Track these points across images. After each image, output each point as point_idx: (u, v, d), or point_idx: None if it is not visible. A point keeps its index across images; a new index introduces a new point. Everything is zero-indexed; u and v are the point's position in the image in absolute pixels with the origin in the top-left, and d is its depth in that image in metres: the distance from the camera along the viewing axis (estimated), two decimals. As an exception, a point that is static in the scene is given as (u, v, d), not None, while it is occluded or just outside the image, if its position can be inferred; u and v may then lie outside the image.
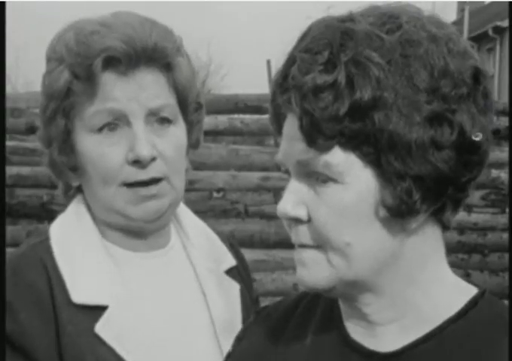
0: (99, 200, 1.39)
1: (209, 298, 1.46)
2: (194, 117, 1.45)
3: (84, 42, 1.33)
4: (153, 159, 1.35)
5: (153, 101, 1.35)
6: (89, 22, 1.36)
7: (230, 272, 1.53)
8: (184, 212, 1.55)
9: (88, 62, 1.32)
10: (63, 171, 1.42)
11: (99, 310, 1.33)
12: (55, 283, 1.33)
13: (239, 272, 1.56)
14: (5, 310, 1.29)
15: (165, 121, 1.37)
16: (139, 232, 1.42)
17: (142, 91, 1.34)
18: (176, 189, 1.39)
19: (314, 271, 1.03)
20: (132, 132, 1.34)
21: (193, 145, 1.47)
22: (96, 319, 1.33)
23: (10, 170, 4.31)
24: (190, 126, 1.44)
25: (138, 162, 1.34)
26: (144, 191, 1.36)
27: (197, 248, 1.50)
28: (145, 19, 1.39)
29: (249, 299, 1.54)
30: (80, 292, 1.33)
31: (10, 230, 4.20)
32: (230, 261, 1.55)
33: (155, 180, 1.36)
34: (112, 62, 1.32)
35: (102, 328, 1.32)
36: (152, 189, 1.36)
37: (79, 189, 1.44)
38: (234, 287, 1.51)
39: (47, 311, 1.31)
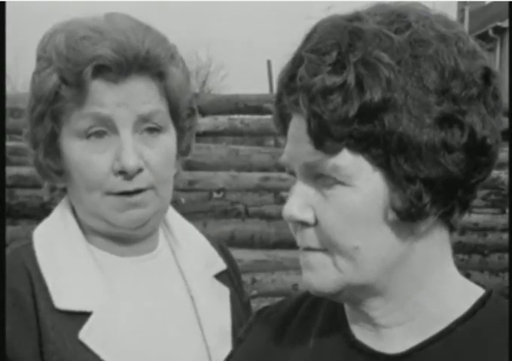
0: (83, 205, 1.37)
1: (197, 303, 1.44)
2: (186, 124, 1.42)
3: (75, 48, 1.30)
4: (140, 170, 1.32)
5: (143, 108, 1.33)
6: (80, 26, 1.34)
7: (220, 276, 1.51)
8: (173, 216, 1.53)
9: (78, 69, 1.29)
10: (48, 173, 1.40)
11: (83, 316, 1.31)
12: (38, 289, 1.31)
13: (230, 276, 1.54)
14: (5, 310, 1.27)
15: (154, 130, 1.35)
16: (124, 239, 1.40)
17: (132, 98, 1.32)
18: (162, 197, 1.37)
19: (321, 274, 1.02)
20: (119, 141, 1.32)
21: (183, 152, 1.45)
22: (80, 325, 1.30)
23: (10, 170, 4.32)
24: (181, 133, 1.42)
25: (123, 173, 1.31)
26: (128, 199, 1.33)
27: (186, 252, 1.48)
28: (139, 24, 1.36)
29: (240, 303, 1.53)
30: (63, 297, 1.31)
31: (10, 231, 4.20)
32: (220, 265, 1.53)
33: (140, 190, 1.34)
34: (102, 71, 1.30)
35: (86, 334, 1.30)
36: (136, 198, 1.34)
37: (64, 190, 1.42)
38: (224, 291, 1.49)
39: (29, 318, 1.29)
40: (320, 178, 1.00)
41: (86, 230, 1.40)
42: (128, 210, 1.34)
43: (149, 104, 1.34)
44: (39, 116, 1.35)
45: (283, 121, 1.05)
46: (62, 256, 1.36)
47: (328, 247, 1.01)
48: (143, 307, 1.39)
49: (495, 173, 4.79)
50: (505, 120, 4.61)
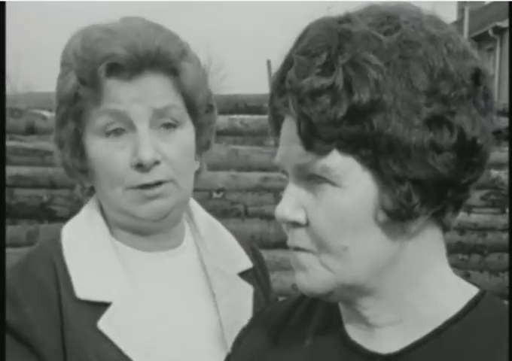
0: (107, 201, 1.42)
1: (218, 300, 1.46)
2: (204, 119, 1.45)
3: (90, 48, 1.35)
4: (157, 163, 1.36)
5: (158, 103, 1.36)
6: (96, 29, 1.39)
7: (244, 274, 1.53)
8: (200, 213, 1.56)
9: (93, 68, 1.34)
10: (74, 172, 1.45)
11: (102, 306, 1.35)
12: (62, 280, 1.36)
13: (256, 275, 1.56)
14: (5, 310, 1.31)
15: (171, 126, 1.38)
16: (148, 232, 1.43)
17: (147, 94, 1.36)
18: (182, 189, 1.41)
19: (312, 275, 1.02)
20: (136, 137, 1.36)
21: (203, 147, 1.48)
22: (99, 315, 1.34)
23: (10, 170, 4.31)
24: (200, 129, 1.45)
25: (141, 166, 1.35)
26: (148, 192, 1.37)
27: (211, 249, 1.51)
28: (151, 24, 1.40)
29: (265, 302, 1.54)
30: (84, 288, 1.36)
31: (10, 230, 4.21)
32: (246, 263, 1.55)
33: (160, 183, 1.37)
34: (116, 69, 1.34)
35: (105, 324, 1.34)
36: (156, 190, 1.37)
37: (93, 189, 1.47)
38: (247, 290, 1.51)
39: (52, 306, 1.33)
40: (311, 179, 1.01)
41: (112, 226, 1.44)
42: (149, 201, 1.37)
43: (164, 100, 1.37)
44: (63, 117, 1.40)
45: (276, 122, 1.05)
46: (87, 249, 1.41)
47: (318, 247, 1.01)
48: (162, 301, 1.42)
49: (494, 173, 4.78)
50: (505, 120, 4.61)
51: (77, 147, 1.41)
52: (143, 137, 1.35)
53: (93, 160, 1.39)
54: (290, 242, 1.04)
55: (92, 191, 1.48)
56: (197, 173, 1.48)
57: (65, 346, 1.32)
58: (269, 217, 4.53)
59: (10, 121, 4.35)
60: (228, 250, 1.54)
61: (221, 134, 4.94)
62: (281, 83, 1.00)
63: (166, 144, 1.37)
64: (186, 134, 1.41)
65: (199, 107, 1.43)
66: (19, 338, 1.31)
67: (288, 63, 1.00)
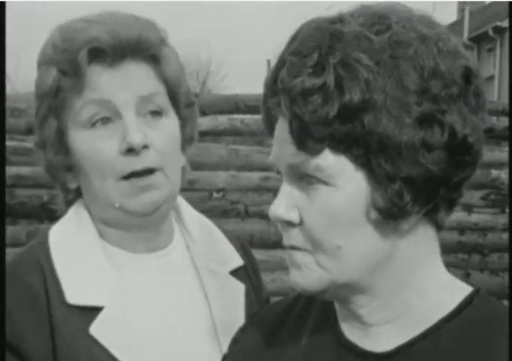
0: (96, 196, 1.38)
1: (211, 299, 1.45)
2: (187, 113, 1.44)
3: (69, 38, 1.34)
4: (146, 147, 1.34)
5: (143, 90, 1.35)
6: (73, 21, 1.37)
7: (236, 273, 1.52)
8: (189, 212, 1.54)
9: (73, 55, 1.32)
10: (59, 172, 1.41)
11: (94, 311, 1.32)
12: (51, 285, 1.32)
13: (247, 273, 1.55)
14: (5, 310, 1.28)
15: (157, 114, 1.37)
16: (137, 228, 1.41)
17: (130, 81, 1.34)
18: (172, 180, 1.39)
19: (306, 273, 1.03)
20: (123, 124, 1.34)
21: (187, 140, 1.46)
22: (90, 320, 1.32)
23: (10, 170, 4.31)
24: (184, 122, 1.43)
25: (131, 151, 1.33)
26: (139, 182, 1.35)
27: (201, 248, 1.49)
28: (129, 14, 1.39)
29: (257, 300, 1.53)
30: (75, 292, 1.33)
31: (10, 230, 4.20)
32: (237, 261, 1.53)
33: (149, 171, 1.35)
34: (98, 54, 1.32)
35: (97, 329, 1.31)
36: (147, 180, 1.35)
37: (78, 194, 1.44)
38: (239, 288, 1.50)
39: (41, 312, 1.30)
40: (304, 178, 1.01)
41: (100, 227, 1.41)
42: (141, 193, 1.35)
43: (148, 86, 1.36)
44: (44, 114, 1.37)
45: (270, 122, 1.06)
46: (76, 252, 1.38)
47: (312, 246, 1.02)
48: (155, 303, 1.40)
49: (494, 173, 4.78)
50: (505, 120, 4.61)
51: (61, 145, 1.38)
52: (131, 123, 1.33)
53: (80, 154, 1.37)
54: (285, 241, 1.05)
55: (74, 199, 1.44)
56: (183, 172, 1.45)
57: (56, 354, 1.29)
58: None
59: (10, 121, 4.34)
60: (219, 248, 1.52)
61: (221, 134, 4.94)
62: (273, 83, 1.01)
63: (153, 131, 1.36)
64: (171, 122, 1.40)
65: (180, 98, 1.41)
66: (10, 348, 1.28)
67: (281, 63, 1.00)
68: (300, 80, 0.96)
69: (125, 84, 1.34)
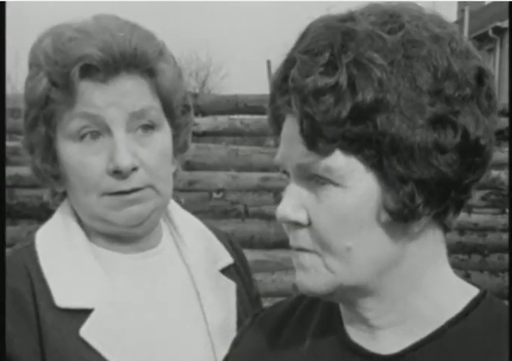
0: (81, 207, 1.37)
1: (203, 298, 1.43)
2: (181, 121, 1.41)
3: (62, 50, 1.30)
4: (135, 169, 1.31)
5: (135, 106, 1.31)
6: (67, 28, 1.33)
7: (226, 270, 1.51)
8: (177, 211, 1.52)
9: (65, 70, 1.29)
10: (46, 178, 1.39)
11: (84, 313, 1.31)
12: (38, 289, 1.30)
13: (238, 270, 1.54)
14: (5, 310, 1.27)
15: (148, 127, 1.34)
16: (125, 238, 1.39)
17: (123, 97, 1.31)
18: (162, 194, 1.36)
19: (313, 275, 1.02)
20: (113, 141, 1.31)
21: (180, 149, 1.44)
22: (80, 323, 1.30)
23: (10, 170, 4.31)
24: (177, 130, 1.41)
25: (118, 173, 1.30)
26: (125, 197, 1.33)
27: (191, 247, 1.47)
28: (125, 22, 1.35)
29: (248, 298, 1.52)
30: (64, 295, 1.31)
31: (10, 231, 4.20)
32: (227, 259, 1.52)
33: (137, 189, 1.33)
34: (90, 70, 1.29)
35: (87, 332, 1.30)
36: (133, 196, 1.33)
37: (65, 194, 1.42)
38: (230, 286, 1.49)
39: (29, 317, 1.29)
40: (313, 179, 1.00)
41: (87, 230, 1.39)
42: (126, 207, 1.33)
43: (141, 102, 1.32)
44: (32, 121, 1.35)
45: (277, 122, 1.05)
46: (63, 255, 1.36)
47: (321, 247, 1.01)
48: (146, 304, 1.38)
49: (495, 173, 4.78)
50: (505, 120, 4.61)
51: (49, 152, 1.36)
52: (120, 142, 1.30)
53: (66, 166, 1.34)
54: (292, 242, 1.04)
55: (64, 195, 1.42)
56: (174, 176, 1.43)
57: (45, 358, 1.28)
58: (269, 217, 4.53)
59: (10, 121, 4.33)
60: (208, 246, 1.50)
61: (221, 134, 4.94)
62: (283, 82, 0.99)
63: (144, 148, 1.33)
64: (163, 136, 1.36)
65: (176, 108, 1.39)
66: None
67: (290, 62, 0.99)
68: (312, 79, 0.95)
69: (117, 100, 1.30)
